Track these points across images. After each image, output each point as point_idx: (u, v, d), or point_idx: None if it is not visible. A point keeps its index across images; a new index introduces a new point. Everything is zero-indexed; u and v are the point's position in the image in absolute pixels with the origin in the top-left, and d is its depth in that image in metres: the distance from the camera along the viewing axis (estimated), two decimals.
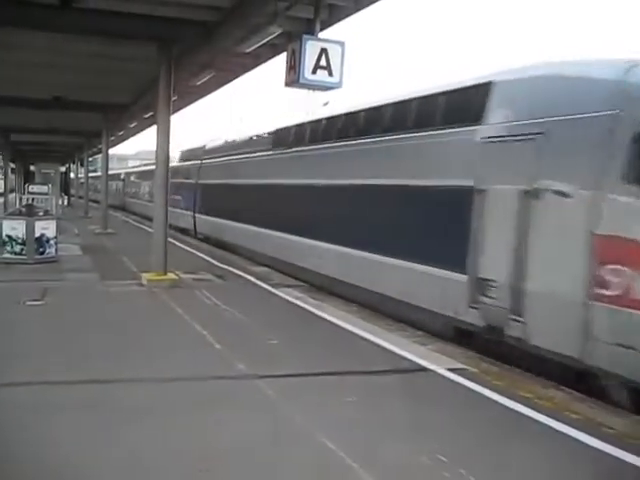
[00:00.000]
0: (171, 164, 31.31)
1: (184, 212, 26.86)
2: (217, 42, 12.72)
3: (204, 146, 27.25)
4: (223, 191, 22.44)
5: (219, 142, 25.64)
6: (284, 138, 17.67)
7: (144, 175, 39.42)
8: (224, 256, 18.55)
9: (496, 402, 6.58)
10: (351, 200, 13.15)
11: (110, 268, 14.71)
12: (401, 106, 12.17)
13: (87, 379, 6.73)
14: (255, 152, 19.91)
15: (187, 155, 29.78)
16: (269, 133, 19.33)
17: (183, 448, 5.12)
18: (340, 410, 6.15)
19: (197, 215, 25.81)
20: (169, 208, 23.77)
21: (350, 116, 14.17)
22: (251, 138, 21.45)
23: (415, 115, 11.60)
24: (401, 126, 11.79)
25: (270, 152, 18.39)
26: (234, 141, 23.59)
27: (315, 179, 14.93)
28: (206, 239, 23.98)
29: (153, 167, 32.98)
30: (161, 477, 4.72)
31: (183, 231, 26.38)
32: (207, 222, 24.39)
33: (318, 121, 16.20)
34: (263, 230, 17.86)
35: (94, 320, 9.58)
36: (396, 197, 11.56)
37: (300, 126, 17.13)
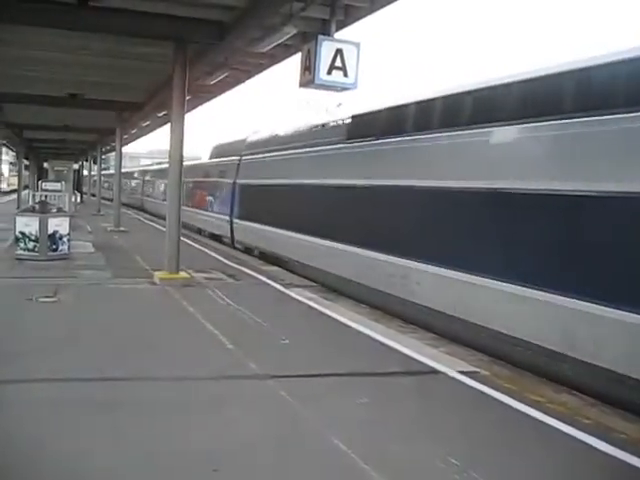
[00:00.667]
0: (201, 161, 29.54)
1: (218, 216, 23.73)
2: (232, 42, 12.74)
3: (244, 140, 23.25)
4: (274, 193, 18.15)
5: (265, 134, 21.51)
6: (374, 124, 13.36)
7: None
8: (236, 256, 18.56)
9: (508, 405, 6.57)
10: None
11: (122, 266, 14.76)
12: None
13: (100, 377, 6.75)
14: (323, 144, 15.68)
15: (222, 151, 26.04)
16: (345, 120, 15.12)
17: (194, 448, 5.13)
18: (352, 411, 6.16)
19: (236, 221, 21.65)
20: (199, 211, 26.32)
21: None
22: (314, 128, 17.22)
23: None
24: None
25: (347, 144, 14.34)
26: (288, 133, 19.18)
27: (435, 180, 10.69)
28: (247, 250, 19.98)
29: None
30: (172, 476, 4.73)
31: (215, 238, 23.54)
32: (250, 230, 19.98)
33: (433, 100, 11.53)
34: (344, 246, 13.59)
35: (106, 318, 9.62)
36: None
37: (399, 109, 12.59)
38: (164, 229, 14.34)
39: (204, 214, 26.18)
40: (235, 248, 21.06)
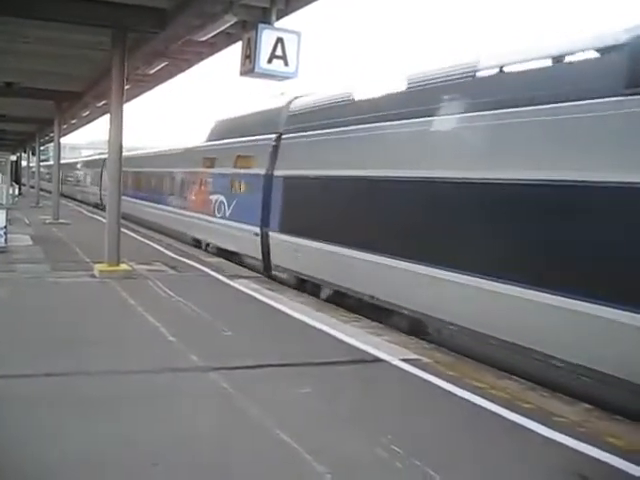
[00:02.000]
0: (194, 145, 21.09)
1: (236, 226, 16.02)
2: (172, 30, 12.55)
3: (286, 108, 15.21)
4: (378, 194, 10.86)
5: (334, 97, 13.24)
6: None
7: (141, 162, 28.18)
8: (179, 247, 18.34)
9: (450, 392, 6.63)
10: None
11: (61, 259, 14.44)
12: None
13: (39, 373, 6.57)
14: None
15: (237, 127, 18.00)
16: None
17: (135, 442, 5.05)
18: (295, 402, 6.15)
19: (274, 235, 14.11)
20: (198, 216, 19.28)
21: None
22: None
23: None
24: None
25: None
26: (393, 92, 11.29)
27: None
28: (300, 284, 13.17)
29: (151, 151, 27.85)
30: (112, 471, 4.63)
31: (228, 255, 16.64)
32: (309, 252, 12.59)
33: None
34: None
35: (44, 312, 9.37)
36: None
37: None
38: (105, 220, 14.06)
39: (208, 221, 18.19)
40: (271, 277, 14.11)
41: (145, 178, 27.64)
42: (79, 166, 47.29)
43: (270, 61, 9.60)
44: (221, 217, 17.38)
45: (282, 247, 13.75)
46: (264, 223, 14.54)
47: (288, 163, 14.07)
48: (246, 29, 10.58)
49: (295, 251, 13.10)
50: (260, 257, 14.71)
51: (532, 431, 5.67)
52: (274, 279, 13.83)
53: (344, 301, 11.48)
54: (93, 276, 12.53)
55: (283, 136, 14.55)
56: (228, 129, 18.69)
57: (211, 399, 6.15)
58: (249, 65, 9.69)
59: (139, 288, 11.54)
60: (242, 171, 16.33)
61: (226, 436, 5.27)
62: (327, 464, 4.76)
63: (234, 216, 16.50)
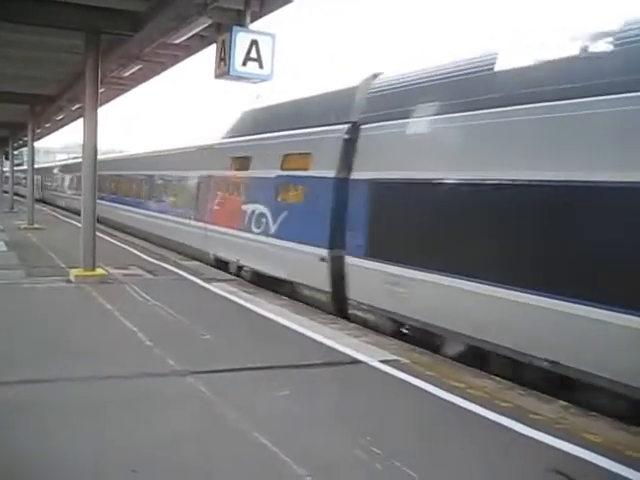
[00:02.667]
0: (223, 141, 16.60)
1: (291, 246, 12.32)
2: (146, 33, 12.49)
3: (364, 87, 11.40)
4: (521, 205, 7.88)
5: (452, 66, 9.51)
6: None
7: (136, 164, 25.67)
8: (156, 251, 18.24)
9: (428, 392, 6.66)
10: None
11: (36, 264, 14.28)
12: None
13: (14, 380, 6.47)
14: None
15: (283, 117, 14.08)
16: None
17: (113, 448, 5.00)
18: (273, 405, 6.13)
19: (352, 260, 10.62)
20: (223, 230, 15.32)
21: None
22: None
23: None
24: None
25: None
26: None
27: None
28: (395, 328, 9.86)
29: (151, 152, 24.41)
30: (91, 478, 4.59)
31: (282, 286, 12.85)
32: (413, 286, 9.34)
33: None
34: None
35: (20, 319, 9.26)
36: None
37: None
38: (80, 225, 13.94)
39: (240, 237, 14.50)
40: (347, 317, 10.74)
41: (146, 183, 23.80)
42: (62, 170, 43.46)
43: (245, 63, 9.63)
44: (262, 233, 13.41)
45: (369, 278, 10.08)
46: (335, 244, 10.95)
47: (379, 162, 10.30)
48: (220, 32, 10.61)
49: (393, 285, 9.55)
50: (327, 289, 11.17)
51: (510, 429, 5.71)
52: (349, 319, 10.53)
53: (490, 363, 8.13)
54: (69, 281, 12.41)
55: (363, 126, 10.81)
56: (266, 121, 14.70)
57: (189, 403, 6.11)
58: (224, 68, 9.70)
59: (115, 293, 11.45)
60: (295, 174, 12.62)
61: (205, 440, 5.24)
62: (307, 467, 4.75)
63: (284, 233, 12.64)
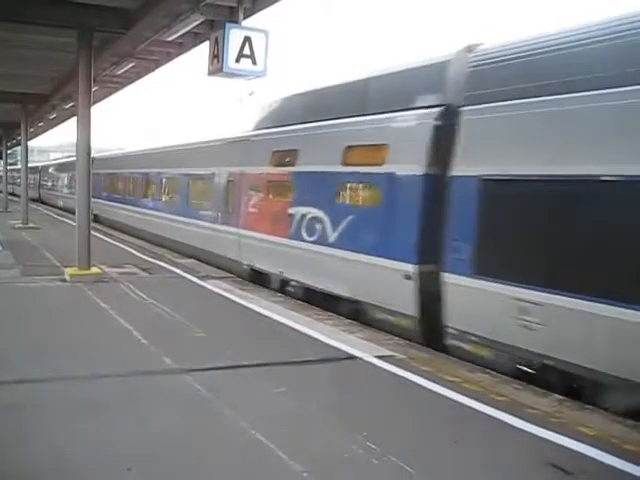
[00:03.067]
0: (255, 132, 14.31)
1: (358, 259, 10.29)
2: (139, 30, 12.46)
3: (462, 60, 9.02)
4: None
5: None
6: None
7: (146, 161, 23.14)
8: (151, 249, 18.21)
9: (424, 387, 6.68)
10: None
11: (32, 263, 14.23)
12: None
13: (12, 379, 6.47)
14: None
15: (342, 101, 11.61)
16: None
17: (109, 446, 5.01)
18: (269, 401, 6.14)
19: (455, 279, 8.42)
20: (281, 240, 12.34)
21: None
22: None
23: None
24: None
25: None
26: None
27: None
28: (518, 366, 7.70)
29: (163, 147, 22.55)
30: (86, 476, 4.60)
31: (342, 306, 10.77)
32: (563, 317, 7.08)
33: None
34: None
35: (14, 318, 9.25)
36: None
37: None
38: (75, 224, 13.90)
39: (284, 246, 12.40)
40: (443, 348, 8.64)
41: (161, 182, 21.49)
42: (61, 169, 40.76)
43: (238, 60, 9.64)
44: (316, 242, 11.31)
45: (483, 302, 8.06)
46: (425, 257, 9.03)
47: (498, 154, 8.17)
48: (213, 28, 10.61)
49: (524, 312, 7.48)
50: (412, 313, 9.19)
51: (505, 423, 5.74)
52: (446, 350, 8.50)
53: None
54: (64, 280, 12.38)
55: (465, 108, 8.59)
56: (320, 107, 12.21)
57: (185, 401, 6.11)
58: (217, 65, 9.70)
59: (111, 291, 11.43)
60: (363, 170, 10.47)
61: (201, 438, 5.24)
62: (303, 463, 4.77)
63: (348, 242, 10.49)
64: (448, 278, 8.43)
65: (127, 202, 25.05)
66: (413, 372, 7.13)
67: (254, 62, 9.68)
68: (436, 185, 8.87)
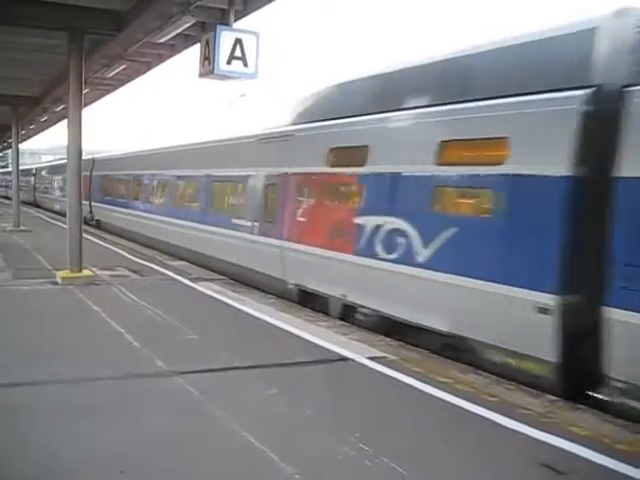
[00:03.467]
0: (339, 122, 10.99)
1: (468, 284, 8.08)
2: (129, 32, 12.43)
3: (624, 17, 7.18)
4: None
5: None
6: None
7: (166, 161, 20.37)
8: (142, 252, 18.18)
9: (416, 389, 6.68)
10: None
11: (23, 266, 14.19)
12: None
13: (6, 382, 6.43)
14: None
15: (456, 78, 9.05)
16: None
17: (102, 449, 4.99)
18: (262, 403, 6.14)
19: (629, 316, 6.30)
20: (344, 257, 10.20)
21: None
22: None
23: None
24: None
25: None
26: None
27: None
28: None
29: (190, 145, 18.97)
30: (80, 479, 4.59)
31: (433, 340, 8.70)
32: None
33: None
34: None
35: (7, 321, 9.22)
36: None
37: None
38: (67, 227, 13.87)
39: (348, 263, 10.24)
40: (615, 411, 6.36)
41: (180, 186, 18.94)
42: (58, 171, 36.28)
43: (229, 62, 9.64)
44: (398, 260, 9.15)
45: None
46: (573, 286, 7.12)
47: None
48: (205, 30, 10.59)
49: None
50: (551, 357, 7.16)
51: (497, 424, 5.74)
52: (601, 407, 6.53)
53: None
54: (55, 283, 12.34)
55: (636, 88, 6.64)
56: (396, 92, 9.95)
57: (178, 404, 6.09)
58: (208, 67, 9.70)
59: (102, 294, 11.40)
60: (473, 171, 8.38)
61: (194, 441, 5.22)
62: (295, 465, 4.76)
63: (450, 262, 8.36)
64: (616, 314, 6.45)
65: (136, 208, 22.70)
66: (405, 373, 7.12)
67: (245, 64, 9.69)
68: (589, 190, 6.98)
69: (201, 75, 9.98)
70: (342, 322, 9.94)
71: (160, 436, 5.29)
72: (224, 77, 9.97)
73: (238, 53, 9.61)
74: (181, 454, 4.96)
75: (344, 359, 7.72)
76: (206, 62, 9.77)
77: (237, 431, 5.37)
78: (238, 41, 9.64)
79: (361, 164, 10.16)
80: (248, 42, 9.70)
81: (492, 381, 7.11)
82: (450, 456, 5.12)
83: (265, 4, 10.55)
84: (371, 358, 7.72)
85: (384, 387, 6.83)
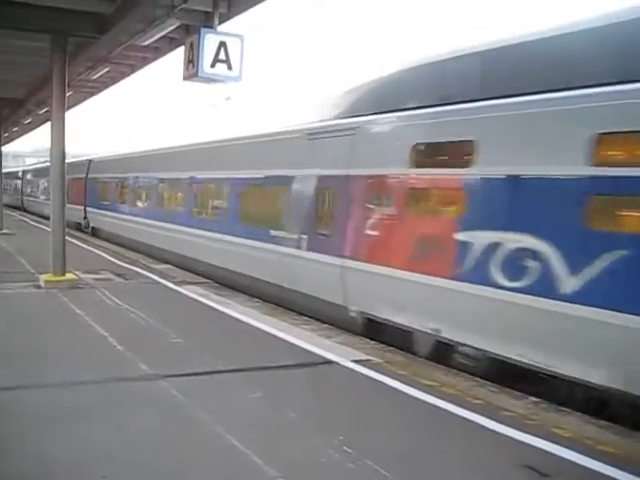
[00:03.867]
0: (424, 111, 8.95)
1: None
2: (113, 35, 12.38)
3: None
4: None
5: None
6: None
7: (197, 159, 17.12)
8: (126, 255, 18.10)
9: (401, 391, 6.69)
10: None
11: (6, 270, 14.03)
12: None
13: None
14: None
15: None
16: None
17: (84, 454, 4.95)
18: (245, 407, 6.12)
19: None
20: (447, 282, 8.03)
21: None
22: None
23: None
24: None
25: None
26: None
27: None
28: None
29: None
30: None
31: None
32: None
33: None
34: None
35: None
36: None
37: None
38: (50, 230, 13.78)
39: (440, 288, 8.21)
40: None
41: (192, 189, 16.71)
42: (49, 173, 31.81)
43: (213, 65, 9.63)
44: (534, 291, 7.11)
45: None
46: None
47: None
48: (189, 33, 10.57)
49: None
50: None
51: (482, 426, 5.76)
52: None
53: None
54: (39, 287, 12.25)
55: None
56: (523, 71, 7.92)
57: (162, 407, 6.06)
58: (192, 70, 9.69)
59: (86, 297, 11.33)
60: None
61: (178, 444, 5.19)
62: (279, 468, 4.74)
63: (622, 297, 6.36)
64: None
65: (142, 215, 20.40)
66: (390, 376, 7.13)
67: (229, 67, 9.68)
68: None
69: (185, 78, 9.97)
70: (327, 325, 9.92)
71: (144, 440, 5.27)
72: (208, 80, 9.96)
73: (222, 56, 9.61)
74: (165, 458, 4.94)
75: (329, 362, 7.72)
76: (190, 65, 9.76)
77: (221, 434, 5.35)
78: (222, 44, 9.64)
79: (465, 164, 8.12)
80: (232, 45, 9.70)
81: (476, 384, 7.15)
82: (434, 458, 5.13)
83: (249, 7, 10.54)
84: (356, 361, 7.72)
85: (369, 390, 6.83)
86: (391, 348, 8.60)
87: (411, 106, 9.22)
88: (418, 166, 8.85)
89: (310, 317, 10.43)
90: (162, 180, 19.23)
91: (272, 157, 12.72)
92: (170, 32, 12.00)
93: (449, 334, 8.18)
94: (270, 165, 12.67)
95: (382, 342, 8.92)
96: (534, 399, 6.69)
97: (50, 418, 5.64)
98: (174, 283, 13.22)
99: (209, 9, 10.18)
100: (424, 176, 8.81)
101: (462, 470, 4.94)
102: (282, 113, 14.07)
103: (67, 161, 12.98)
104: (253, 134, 13.90)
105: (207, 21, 10.15)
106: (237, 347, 8.33)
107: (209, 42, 9.58)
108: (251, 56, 10.06)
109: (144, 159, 21.55)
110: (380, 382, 6.99)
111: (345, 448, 5.11)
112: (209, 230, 15.05)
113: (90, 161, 27.25)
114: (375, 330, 9.39)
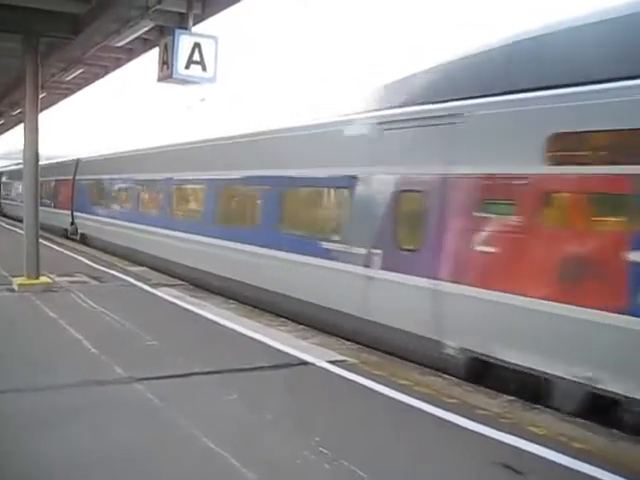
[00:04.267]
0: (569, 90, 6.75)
1: None
2: (87, 36, 12.29)
3: None
4: None
5: None
6: None
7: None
8: (101, 258, 17.96)
9: (376, 391, 6.71)
10: None
11: None
12: None
13: None
14: None
15: None
16: None
17: (58, 459, 4.91)
18: (221, 409, 6.11)
19: None
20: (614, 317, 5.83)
21: None
22: None
23: None
24: None
25: None
26: None
27: None
28: None
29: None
30: None
31: None
32: None
33: None
34: None
35: None
36: None
37: None
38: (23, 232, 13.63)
39: (601, 326, 6.13)
40: None
41: (211, 191, 14.17)
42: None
43: (188, 66, 9.61)
44: None
45: None
46: None
47: None
48: (163, 34, 10.51)
49: None
50: None
51: (457, 425, 5.79)
52: None
53: None
54: (12, 290, 12.12)
55: None
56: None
57: (137, 411, 6.03)
58: (167, 71, 9.65)
59: (60, 301, 11.24)
60: None
61: (154, 448, 5.18)
62: (256, 470, 4.74)
63: None
64: None
65: (144, 221, 17.83)
66: (365, 376, 7.16)
67: (204, 68, 9.66)
68: None
69: (160, 79, 9.93)
70: (303, 327, 9.92)
71: (120, 444, 5.21)
72: (183, 81, 9.93)
73: (197, 57, 9.59)
74: (141, 462, 4.91)
75: (304, 363, 7.73)
76: (165, 66, 9.72)
77: (197, 437, 5.33)
78: (197, 45, 9.62)
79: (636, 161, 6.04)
80: (207, 46, 9.68)
81: (451, 383, 7.20)
82: (409, 457, 5.15)
83: (224, 8, 10.54)
84: (331, 362, 7.75)
85: (344, 390, 6.85)
86: (366, 348, 8.61)
87: (528, 87, 7.20)
88: (559, 163, 6.83)
89: (403, 358, 8.28)
90: (169, 181, 16.39)
91: (326, 153, 10.44)
92: (144, 33, 11.94)
93: (614, 386, 6.13)
94: (323, 162, 10.42)
95: (493, 388, 7.08)
96: (509, 397, 6.74)
97: (23, 423, 5.58)
98: (149, 285, 13.16)
99: (183, 10, 10.16)
100: (570, 177, 6.73)
101: (437, 468, 4.97)
102: (314, 103, 11.93)
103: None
104: (289, 126, 11.72)
105: (181, 22, 10.13)
106: (213, 349, 8.31)
107: (183, 43, 9.55)
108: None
109: (144, 158, 19.05)
110: (355, 382, 7.01)
111: (321, 449, 5.12)
112: (235, 240, 12.62)
113: (78, 161, 24.96)
114: (485, 373, 7.45)
